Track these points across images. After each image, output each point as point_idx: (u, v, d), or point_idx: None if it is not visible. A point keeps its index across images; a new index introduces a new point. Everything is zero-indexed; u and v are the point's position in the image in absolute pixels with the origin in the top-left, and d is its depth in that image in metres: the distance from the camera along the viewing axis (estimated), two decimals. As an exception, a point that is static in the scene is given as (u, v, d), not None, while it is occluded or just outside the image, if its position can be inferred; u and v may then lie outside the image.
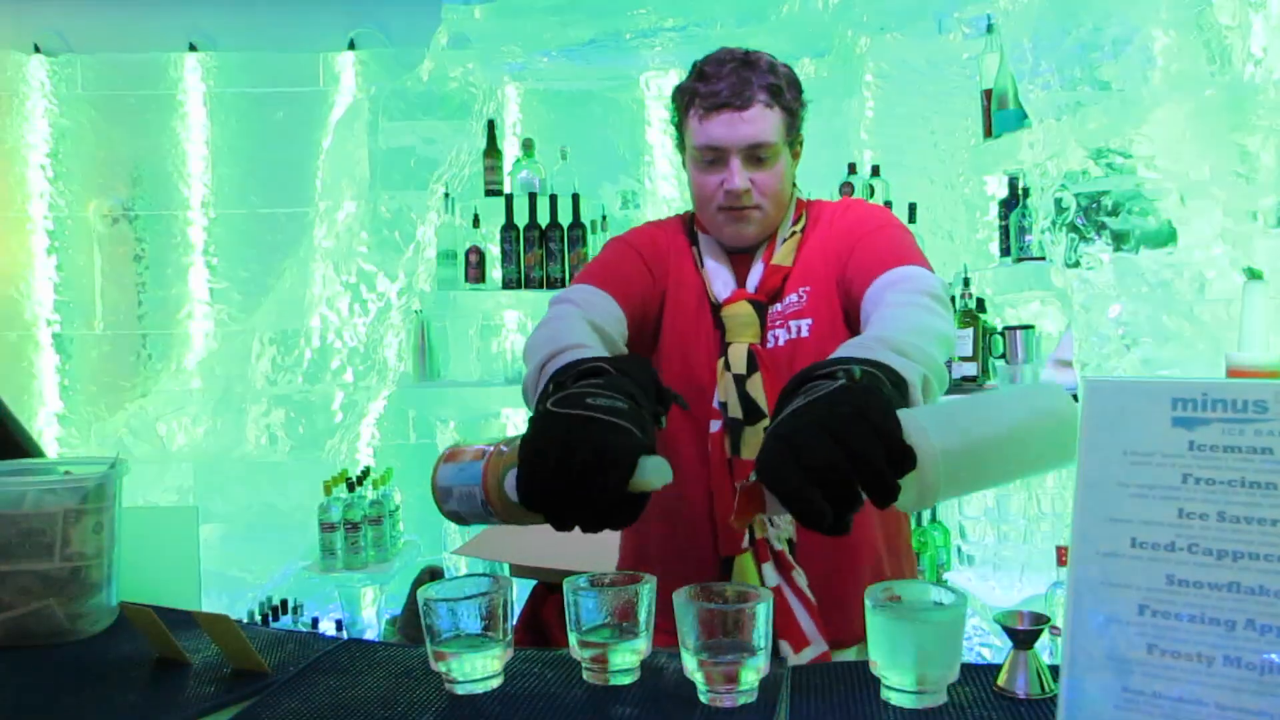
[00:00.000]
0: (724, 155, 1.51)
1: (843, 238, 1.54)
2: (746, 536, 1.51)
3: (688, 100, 1.54)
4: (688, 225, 1.67)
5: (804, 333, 1.52)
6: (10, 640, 1.34)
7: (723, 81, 1.48)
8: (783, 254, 1.57)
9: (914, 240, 1.54)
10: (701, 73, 1.52)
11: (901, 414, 0.97)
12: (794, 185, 1.62)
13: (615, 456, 0.98)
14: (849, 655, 1.52)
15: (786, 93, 1.51)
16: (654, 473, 1.00)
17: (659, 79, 4.24)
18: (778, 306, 1.55)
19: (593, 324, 1.43)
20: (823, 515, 0.92)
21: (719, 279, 1.59)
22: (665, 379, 1.51)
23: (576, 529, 1.01)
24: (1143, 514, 0.90)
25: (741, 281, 1.58)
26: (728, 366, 1.52)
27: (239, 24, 4.37)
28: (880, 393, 1.00)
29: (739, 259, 1.60)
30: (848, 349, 1.15)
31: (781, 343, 1.53)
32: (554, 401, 1.05)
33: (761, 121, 1.49)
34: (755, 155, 1.50)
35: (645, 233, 1.69)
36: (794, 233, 1.59)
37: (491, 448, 1.14)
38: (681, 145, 1.60)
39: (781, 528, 1.51)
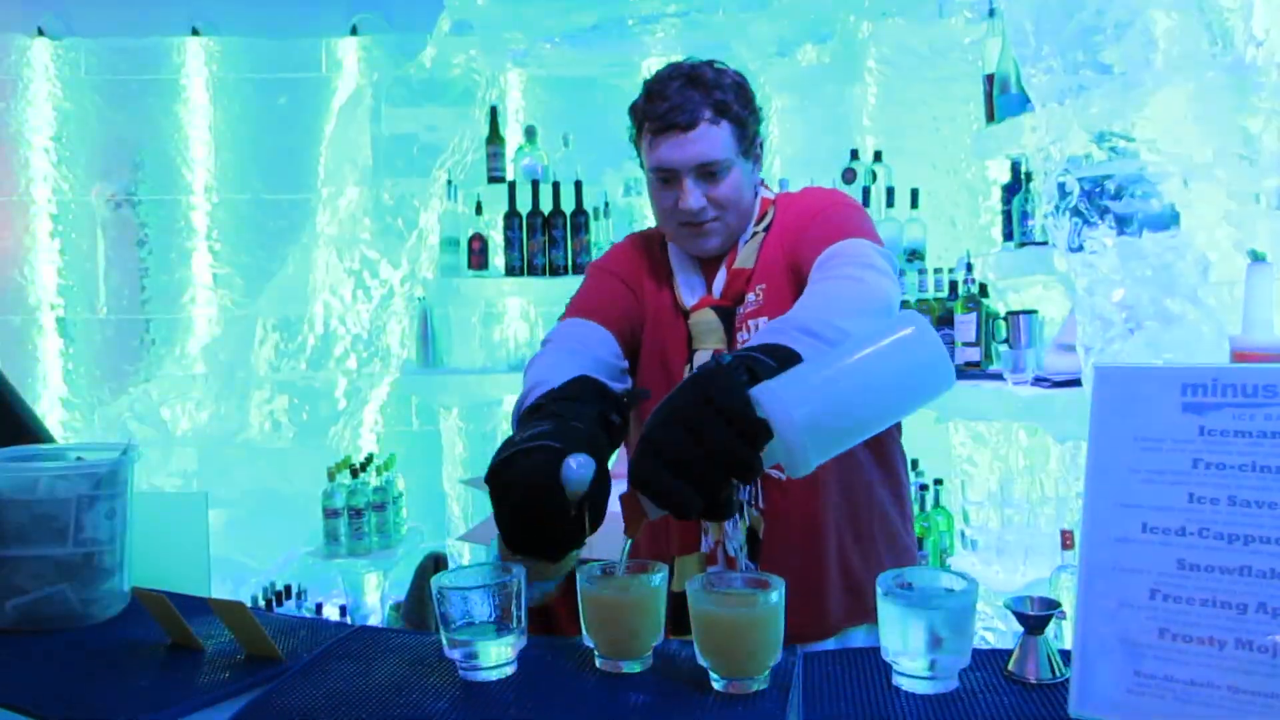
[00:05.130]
0: (676, 175, 1.52)
1: (792, 228, 1.56)
2: (703, 539, 1.54)
3: (639, 121, 1.56)
4: (660, 235, 1.69)
5: None
6: (24, 624, 1.35)
7: (668, 102, 1.49)
8: (744, 256, 1.58)
9: (860, 215, 1.55)
10: (649, 92, 1.54)
11: (757, 389, 0.99)
12: (758, 187, 1.63)
13: (535, 478, 1.04)
14: (827, 646, 1.53)
15: (734, 105, 1.52)
16: (572, 471, 1.04)
17: (661, 65, 4.21)
18: (742, 309, 1.57)
19: (574, 353, 1.47)
20: (689, 505, 0.97)
21: (688, 286, 1.61)
22: (647, 386, 1.58)
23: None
24: (1153, 499, 0.91)
25: (710, 287, 1.61)
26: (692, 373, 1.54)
27: (242, 9, 4.34)
28: (729, 375, 1.01)
29: (709, 264, 1.62)
30: (757, 335, 1.18)
31: (740, 345, 1.54)
32: (493, 460, 1.11)
33: (708, 139, 1.49)
34: (707, 171, 1.51)
35: (621, 252, 1.71)
36: (756, 233, 1.60)
37: None
38: (641, 162, 1.61)
39: (731, 535, 1.53)
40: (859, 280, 1.33)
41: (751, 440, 0.97)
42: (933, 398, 1.05)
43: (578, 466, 1.04)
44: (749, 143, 1.55)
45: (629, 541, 1.08)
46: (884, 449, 1.62)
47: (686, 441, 0.96)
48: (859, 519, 1.59)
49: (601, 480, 1.08)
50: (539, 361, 1.45)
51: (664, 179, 1.53)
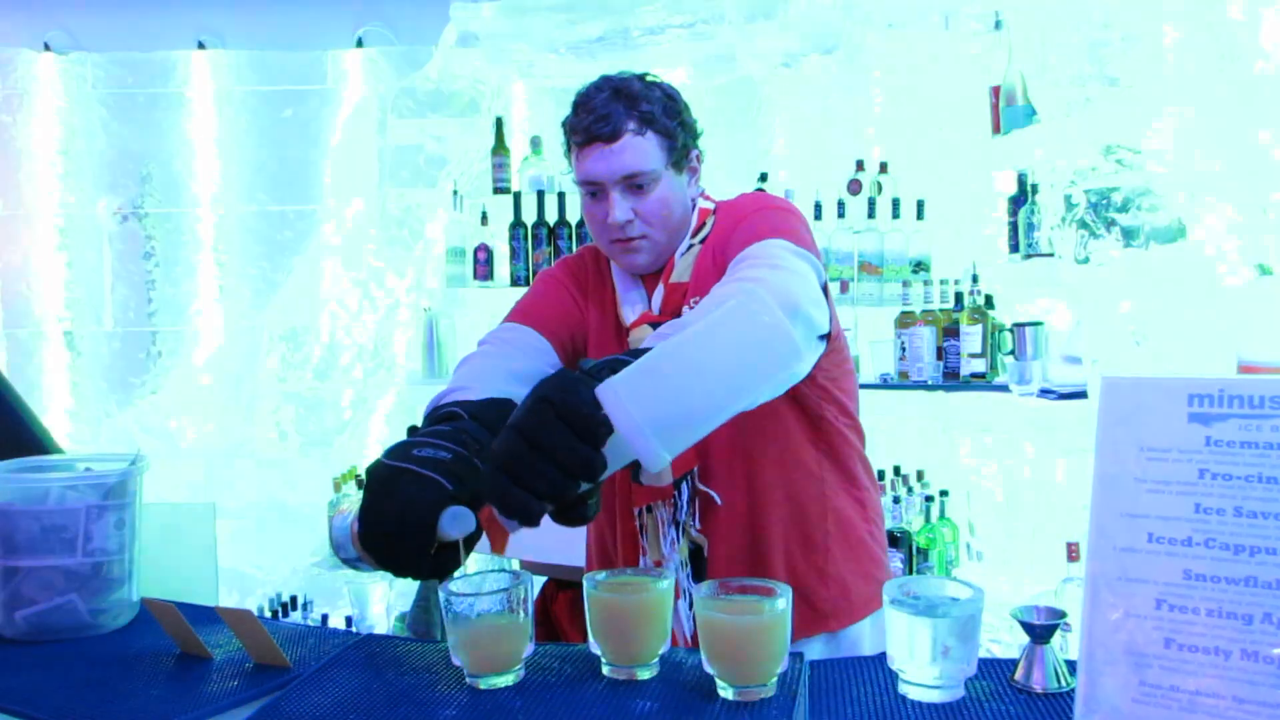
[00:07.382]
0: (603, 188, 1.50)
1: (723, 237, 1.53)
2: (640, 558, 1.54)
3: (568, 134, 1.54)
4: None
5: None
6: (34, 635, 1.36)
7: (593, 114, 1.48)
8: (681, 269, 1.56)
9: (786, 216, 1.50)
10: (576, 105, 1.52)
11: (601, 387, 0.94)
12: (695, 199, 1.60)
13: (414, 516, 1.02)
14: None
15: (661, 117, 1.50)
16: (449, 525, 1.03)
17: (667, 76, 4.22)
18: None
19: (507, 359, 1.45)
20: (529, 510, 0.93)
21: (628, 302, 1.59)
22: None
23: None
24: (1159, 509, 0.91)
25: (650, 302, 1.58)
26: None
27: (247, 22, 4.37)
28: (568, 375, 0.98)
29: (650, 279, 1.60)
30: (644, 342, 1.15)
31: None
32: (386, 451, 1.09)
33: (633, 151, 1.47)
34: (633, 184, 1.49)
35: (574, 260, 1.70)
36: (693, 245, 1.57)
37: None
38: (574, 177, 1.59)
39: (669, 555, 1.53)
40: (756, 280, 1.26)
41: (590, 437, 0.93)
42: (775, 373, 1.00)
43: (452, 522, 1.03)
44: (679, 155, 1.53)
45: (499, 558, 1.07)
46: (837, 452, 1.58)
47: (521, 445, 0.93)
48: (809, 527, 1.55)
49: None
50: (470, 364, 1.43)
51: (591, 192, 1.52)
